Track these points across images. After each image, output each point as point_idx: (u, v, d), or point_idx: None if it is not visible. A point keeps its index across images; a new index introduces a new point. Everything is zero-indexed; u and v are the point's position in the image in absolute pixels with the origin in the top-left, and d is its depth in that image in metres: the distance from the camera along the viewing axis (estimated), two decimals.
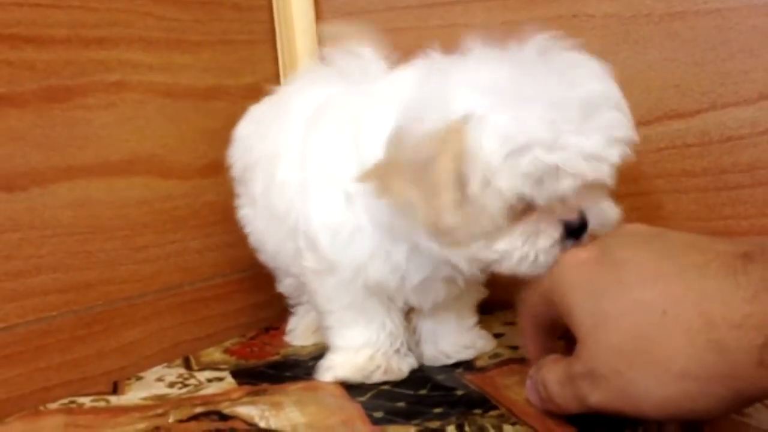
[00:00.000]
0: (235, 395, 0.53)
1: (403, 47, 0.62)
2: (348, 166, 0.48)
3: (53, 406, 0.53)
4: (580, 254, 0.40)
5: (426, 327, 0.58)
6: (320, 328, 0.57)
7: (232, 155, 0.63)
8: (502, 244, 0.43)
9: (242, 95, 0.68)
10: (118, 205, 0.59)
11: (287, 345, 0.65)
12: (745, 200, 0.59)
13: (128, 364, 0.59)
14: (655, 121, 0.61)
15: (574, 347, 0.39)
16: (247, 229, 0.62)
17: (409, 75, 0.48)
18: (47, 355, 0.54)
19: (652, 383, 0.34)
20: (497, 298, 0.67)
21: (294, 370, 0.58)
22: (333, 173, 0.50)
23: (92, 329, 0.57)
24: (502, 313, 0.68)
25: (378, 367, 0.53)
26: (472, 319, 0.59)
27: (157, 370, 0.60)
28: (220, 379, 0.57)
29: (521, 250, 0.42)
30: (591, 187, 0.42)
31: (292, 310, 0.66)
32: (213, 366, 0.60)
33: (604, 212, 0.43)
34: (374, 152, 0.45)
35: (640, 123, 0.45)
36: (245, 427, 0.46)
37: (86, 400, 0.54)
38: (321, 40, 0.70)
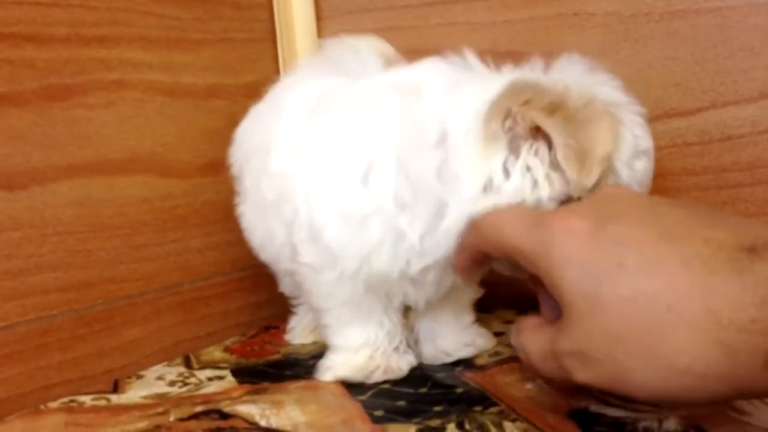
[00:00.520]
0: (235, 394, 0.53)
1: (403, 46, 0.62)
2: (365, 148, 0.48)
3: (54, 404, 0.53)
4: (572, 222, 0.37)
5: (424, 326, 0.58)
6: (318, 327, 0.57)
7: (232, 154, 0.63)
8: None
9: (242, 94, 0.68)
10: (118, 203, 0.59)
11: (287, 344, 0.65)
12: (745, 199, 0.59)
13: (129, 362, 0.59)
14: (656, 120, 0.61)
15: (550, 309, 0.40)
16: (243, 226, 0.62)
17: (438, 67, 0.49)
18: (48, 354, 0.54)
19: (651, 375, 0.34)
20: (497, 297, 0.68)
21: (294, 368, 0.58)
22: (346, 157, 0.49)
23: (93, 328, 0.57)
24: (501, 311, 0.68)
25: (378, 366, 0.53)
26: (470, 317, 0.59)
27: (158, 369, 0.60)
28: (220, 378, 0.57)
29: None
30: None
31: (293, 309, 0.66)
32: (213, 365, 0.60)
33: None
34: (403, 134, 0.46)
35: None
36: (246, 425, 0.46)
37: (87, 399, 0.54)
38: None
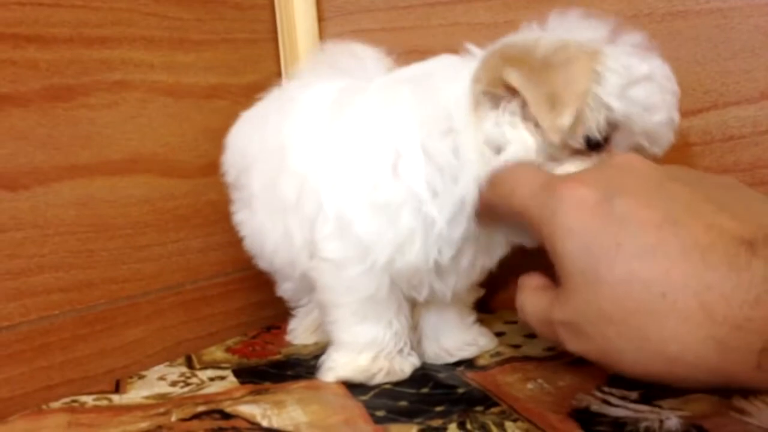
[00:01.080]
0: (237, 394, 0.53)
1: (405, 46, 0.62)
2: (390, 139, 0.49)
3: (56, 404, 0.53)
4: (581, 191, 0.37)
5: (428, 324, 0.58)
6: (323, 323, 0.57)
7: (225, 162, 0.63)
8: (571, 167, 0.44)
9: (244, 94, 0.68)
10: (120, 204, 0.59)
11: (289, 344, 0.65)
12: None
13: (130, 362, 0.59)
14: None
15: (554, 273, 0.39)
16: (243, 233, 0.62)
17: (448, 59, 0.50)
18: (50, 354, 0.54)
19: (640, 357, 0.34)
20: (498, 297, 0.68)
21: (296, 368, 0.58)
22: (373, 149, 0.50)
23: (94, 328, 0.57)
24: (503, 312, 0.68)
25: (381, 369, 0.53)
26: (472, 316, 0.60)
27: (160, 369, 0.60)
28: (222, 378, 0.57)
29: None
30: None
31: (292, 312, 0.67)
32: (215, 365, 0.60)
33: None
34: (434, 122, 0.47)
35: None
36: (247, 425, 0.46)
37: (89, 399, 0.54)
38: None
